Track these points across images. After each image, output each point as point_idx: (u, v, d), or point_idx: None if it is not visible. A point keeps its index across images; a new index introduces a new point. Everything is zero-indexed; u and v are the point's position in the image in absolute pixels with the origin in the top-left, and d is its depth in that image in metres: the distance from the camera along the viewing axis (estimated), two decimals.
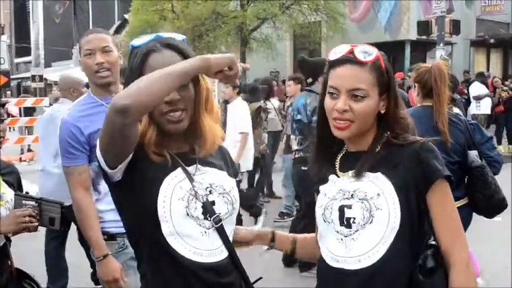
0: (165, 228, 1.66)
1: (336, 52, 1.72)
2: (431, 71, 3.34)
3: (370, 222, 1.68)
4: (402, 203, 1.67)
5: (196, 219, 1.67)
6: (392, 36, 19.93)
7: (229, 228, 1.75)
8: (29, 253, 4.74)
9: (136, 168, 1.67)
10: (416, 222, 1.69)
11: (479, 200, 3.32)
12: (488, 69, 22.13)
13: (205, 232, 1.68)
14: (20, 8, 35.79)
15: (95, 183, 2.71)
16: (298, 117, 5.28)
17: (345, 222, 1.71)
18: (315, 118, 4.29)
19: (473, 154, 3.34)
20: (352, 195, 1.71)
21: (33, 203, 2.66)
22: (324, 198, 1.78)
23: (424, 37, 16.64)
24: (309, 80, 5.50)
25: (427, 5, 17.15)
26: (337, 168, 1.78)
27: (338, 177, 1.77)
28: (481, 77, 14.32)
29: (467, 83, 16.21)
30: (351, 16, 20.86)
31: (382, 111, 1.74)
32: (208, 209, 1.68)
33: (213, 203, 1.69)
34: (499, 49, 23.79)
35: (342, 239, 1.72)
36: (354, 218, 1.70)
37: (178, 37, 1.74)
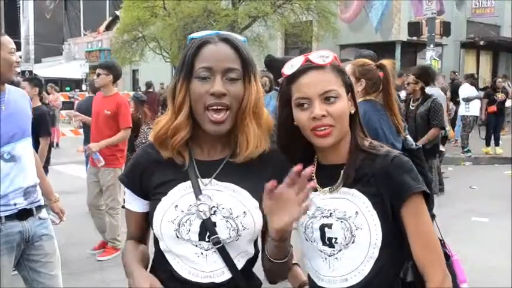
0: (162, 245, 1.65)
1: (292, 65, 1.66)
2: (385, 69, 3.48)
3: (353, 242, 1.64)
4: (381, 219, 1.63)
5: (188, 242, 1.60)
6: (383, 36, 19.98)
7: (235, 252, 1.62)
8: None
9: (152, 175, 1.68)
10: (397, 235, 1.64)
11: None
12: (477, 71, 22.27)
13: (202, 253, 1.60)
14: (10, 4, 35.55)
15: None
16: None
17: (327, 242, 1.68)
18: None
19: (410, 138, 3.59)
20: (330, 213, 1.67)
21: None
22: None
23: (414, 38, 16.70)
24: (280, 80, 5.42)
25: (418, 6, 17.19)
26: (316, 182, 1.69)
27: (316, 191, 1.68)
28: (471, 79, 14.34)
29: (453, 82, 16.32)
30: (342, 16, 20.91)
31: (352, 112, 1.70)
32: (208, 228, 1.58)
33: (214, 224, 1.58)
34: (489, 51, 23.92)
35: (326, 258, 1.69)
36: (336, 238, 1.66)
37: (239, 37, 1.67)
